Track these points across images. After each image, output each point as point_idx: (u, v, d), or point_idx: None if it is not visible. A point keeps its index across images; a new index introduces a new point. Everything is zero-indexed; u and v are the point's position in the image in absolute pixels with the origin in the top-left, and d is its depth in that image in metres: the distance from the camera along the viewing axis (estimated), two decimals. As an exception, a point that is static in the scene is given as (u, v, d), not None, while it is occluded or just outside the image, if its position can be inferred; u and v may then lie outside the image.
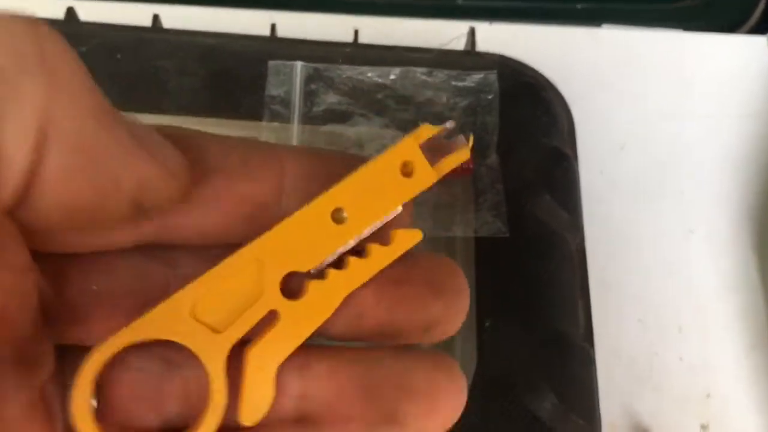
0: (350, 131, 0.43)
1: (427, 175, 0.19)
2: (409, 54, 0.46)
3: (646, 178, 0.52)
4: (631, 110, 0.54)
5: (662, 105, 0.54)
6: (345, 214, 0.18)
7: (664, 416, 0.45)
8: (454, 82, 0.45)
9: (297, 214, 0.18)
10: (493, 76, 0.45)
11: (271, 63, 0.45)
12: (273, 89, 0.44)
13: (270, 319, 0.19)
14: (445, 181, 0.42)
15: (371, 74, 0.45)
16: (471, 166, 0.41)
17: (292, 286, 0.19)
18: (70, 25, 0.46)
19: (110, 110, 0.16)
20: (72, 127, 0.15)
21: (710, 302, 0.48)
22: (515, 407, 0.37)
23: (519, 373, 0.38)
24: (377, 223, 0.19)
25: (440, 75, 0.45)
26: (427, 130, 0.19)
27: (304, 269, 0.18)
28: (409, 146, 0.19)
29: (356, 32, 0.49)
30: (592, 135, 0.52)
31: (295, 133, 0.43)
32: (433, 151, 0.19)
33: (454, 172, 0.42)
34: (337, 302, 0.18)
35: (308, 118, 0.43)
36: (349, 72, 0.45)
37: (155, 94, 0.44)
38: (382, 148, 0.43)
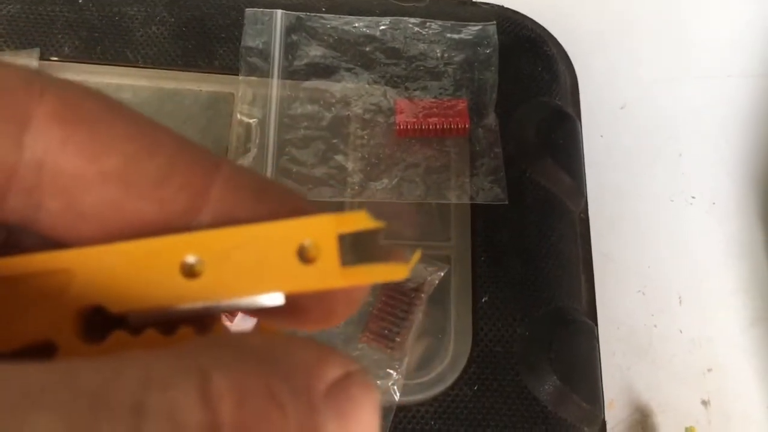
0: (335, 87, 0.40)
1: (329, 273, 0.14)
2: (400, 3, 0.43)
3: (646, 141, 0.49)
4: (632, 67, 0.51)
5: (664, 64, 0.52)
6: (200, 271, 0.14)
7: (663, 391, 0.43)
8: (449, 34, 0.41)
9: (141, 243, 0.14)
10: (492, 28, 0.41)
11: (248, 11, 0.41)
12: (250, 40, 0.40)
13: (45, 351, 0.14)
14: (438, 143, 0.40)
15: (358, 24, 0.41)
16: (467, 126, 0.38)
17: (94, 324, 0.14)
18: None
19: None
20: None
21: (713, 272, 0.46)
22: (514, 389, 0.35)
23: (518, 352, 0.35)
24: (242, 302, 0.14)
25: (434, 26, 0.41)
26: (358, 219, 0.14)
27: (113, 309, 0.14)
28: (322, 226, 0.14)
29: (342, -22, 0.46)
30: (591, 95, 0.49)
31: (274, 88, 0.39)
32: (360, 250, 0.15)
33: (449, 133, 0.39)
34: None
35: (289, 73, 0.40)
36: (334, 22, 0.41)
37: (120, 45, 0.40)
38: (369, 107, 0.41)
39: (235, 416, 0.10)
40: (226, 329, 0.15)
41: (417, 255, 0.15)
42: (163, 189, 0.13)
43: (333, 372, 0.12)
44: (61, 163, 0.12)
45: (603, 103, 0.50)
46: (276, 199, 0.14)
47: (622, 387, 0.43)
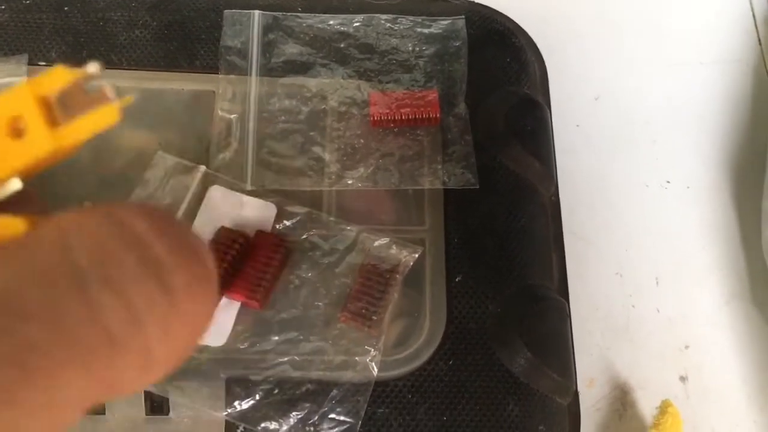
0: (311, 83, 0.41)
1: (41, 139, 0.14)
2: (372, 0, 0.44)
3: (621, 129, 0.51)
4: (605, 59, 0.52)
5: (637, 53, 0.53)
6: None
7: (642, 369, 0.44)
8: (419, 29, 0.43)
9: None
10: (460, 22, 0.43)
11: (227, 12, 0.42)
12: (229, 40, 0.42)
13: None
14: (411, 132, 0.41)
15: (333, 22, 0.42)
16: (438, 115, 0.40)
17: None
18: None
19: None
20: None
21: (688, 253, 0.48)
22: (488, 364, 0.36)
23: (491, 328, 0.37)
24: None
25: (405, 22, 0.43)
26: (54, 77, 0.14)
27: None
28: (20, 97, 0.14)
29: (318, -20, 0.47)
30: (566, 85, 0.50)
31: (253, 85, 0.41)
32: (74, 103, 0.14)
33: (421, 122, 0.41)
34: None
35: (267, 70, 0.41)
36: (309, 20, 0.42)
37: (105, 49, 0.42)
38: (344, 100, 0.42)
39: (149, 226, 0.12)
40: None
41: (128, 98, 0.14)
42: None
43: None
44: None
45: (578, 94, 0.51)
46: None
47: (601, 366, 0.44)
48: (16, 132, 0.14)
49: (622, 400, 0.44)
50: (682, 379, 0.44)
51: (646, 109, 0.51)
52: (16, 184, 0.14)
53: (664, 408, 0.41)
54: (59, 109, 0.14)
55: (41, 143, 0.14)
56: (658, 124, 0.51)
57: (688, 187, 0.50)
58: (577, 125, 0.50)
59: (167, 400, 0.35)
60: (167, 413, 0.35)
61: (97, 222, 0.12)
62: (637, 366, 0.44)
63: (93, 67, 0.14)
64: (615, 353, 0.44)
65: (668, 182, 0.50)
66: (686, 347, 0.45)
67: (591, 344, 0.44)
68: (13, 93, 0.14)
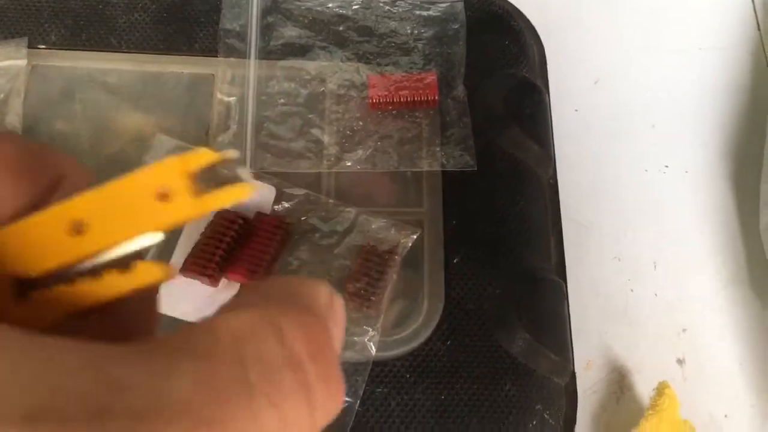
0: (310, 65, 0.41)
1: (183, 206, 0.16)
2: (371, -16, 0.44)
3: (620, 114, 0.51)
4: (604, 44, 0.52)
5: (636, 38, 0.53)
6: (85, 228, 0.16)
7: (639, 352, 0.44)
8: (418, 12, 0.43)
9: (31, 219, 0.16)
10: (459, 5, 0.43)
11: (226, -5, 0.43)
12: (228, 23, 0.42)
13: None
14: (409, 115, 0.42)
15: (332, 5, 0.43)
16: (436, 98, 0.40)
17: (17, 291, 0.17)
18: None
19: None
20: None
21: (686, 237, 0.48)
22: (486, 344, 0.36)
23: (489, 309, 0.37)
24: (126, 245, 0.17)
25: (404, 4, 0.43)
26: (200, 157, 0.16)
27: (27, 275, 0.17)
28: (171, 169, 0.16)
29: (316, -37, 0.47)
30: (565, 70, 0.50)
31: (252, 68, 0.41)
32: (209, 180, 0.17)
33: (420, 105, 0.41)
34: (57, 317, 0.17)
35: (266, 53, 0.41)
36: (308, 3, 0.43)
37: (104, 31, 0.42)
38: (343, 83, 0.42)
39: (305, 348, 0.15)
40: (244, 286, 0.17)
41: (249, 184, 0.17)
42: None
43: (325, 292, 0.17)
44: None
45: (577, 79, 0.51)
46: None
47: (599, 349, 0.44)
48: (163, 197, 0.16)
49: (619, 383, 0.44)
50: (680, 362, 0.45)
51: (645, 94, 0.51)
52: (159, 237, 0.17)
53: (661, 390, 0.41)
54: (199, 182, 0.17)
55: (184, 209, 0.16)
56: (657, 109, 0.51)
57: (686, 172, 0.50)
58: (576, 110, 0.50)
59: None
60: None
61: (263, 333, 0.15)
62: (634, 349, 0.45)
63: (233, 153, 0.17)
64: (613, 337, 0.45)
65: (667, 167, 0.50)
66: (684, 331, 0.46)
67: (589, 328, 0.44)
68: (165, 165, 0.16)
